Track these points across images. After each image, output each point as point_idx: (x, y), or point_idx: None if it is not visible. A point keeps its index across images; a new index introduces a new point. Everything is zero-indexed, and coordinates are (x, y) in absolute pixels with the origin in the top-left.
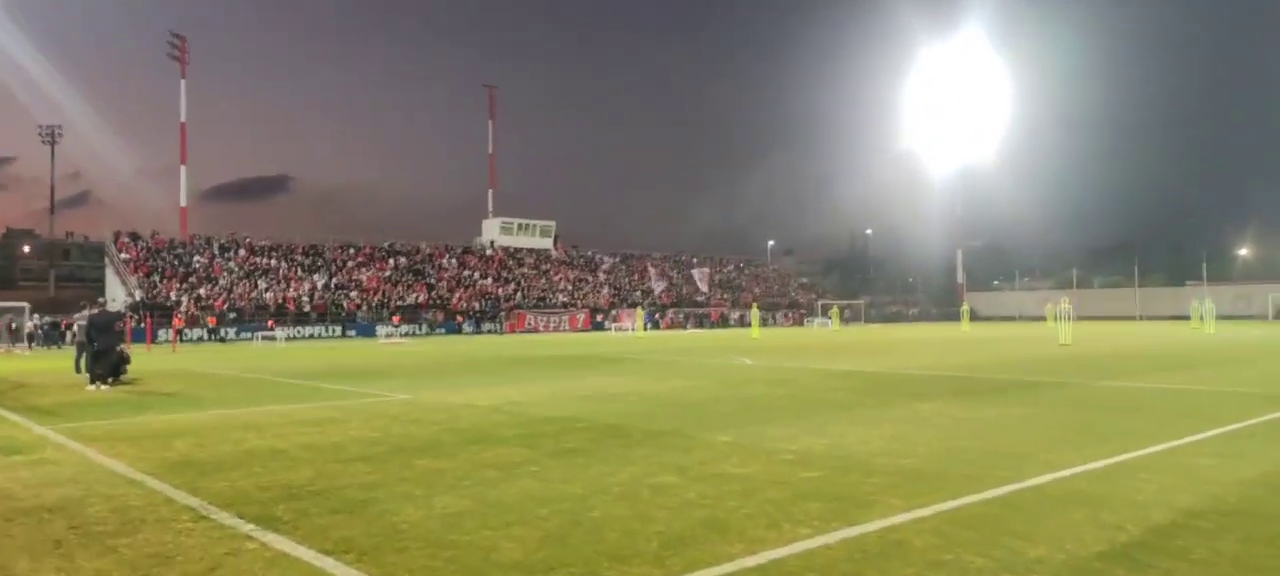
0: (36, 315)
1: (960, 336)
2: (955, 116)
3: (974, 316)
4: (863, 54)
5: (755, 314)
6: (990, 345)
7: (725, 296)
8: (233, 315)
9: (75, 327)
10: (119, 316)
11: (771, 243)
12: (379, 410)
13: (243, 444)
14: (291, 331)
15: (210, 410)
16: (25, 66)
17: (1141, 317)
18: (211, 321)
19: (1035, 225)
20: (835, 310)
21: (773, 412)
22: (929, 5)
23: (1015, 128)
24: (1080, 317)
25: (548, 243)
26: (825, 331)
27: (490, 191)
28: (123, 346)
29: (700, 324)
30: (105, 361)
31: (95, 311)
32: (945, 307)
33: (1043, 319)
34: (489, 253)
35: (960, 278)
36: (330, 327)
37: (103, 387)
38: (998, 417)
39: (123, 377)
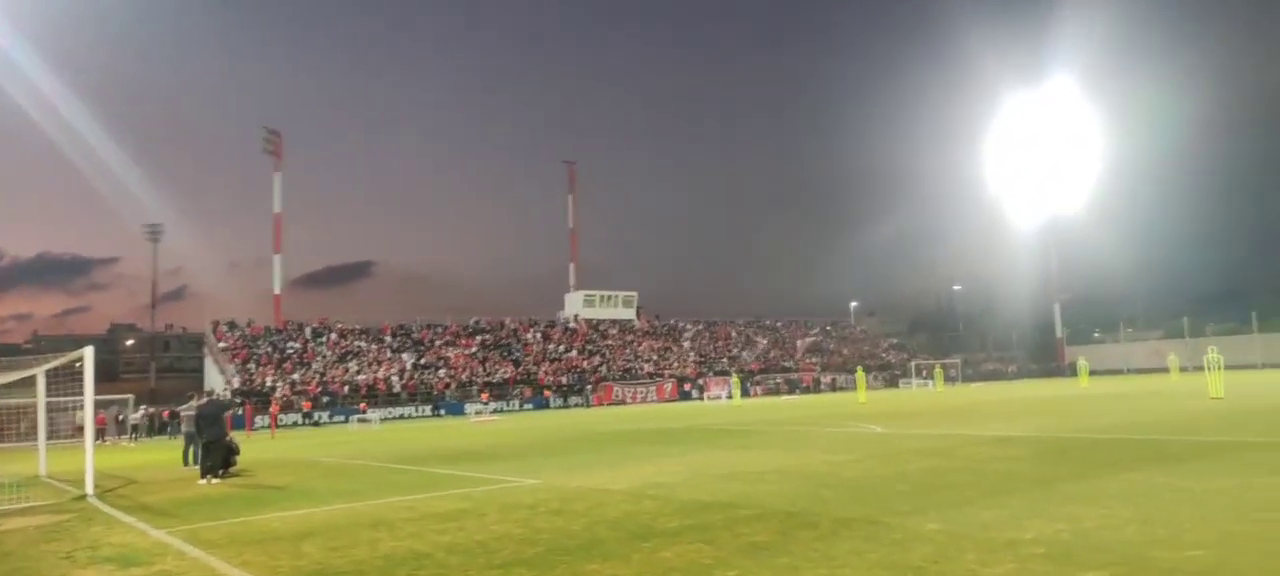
0: (143, 406)
1: (1086, 393)
2: (1043, 166)
3: (1077, 371)
4: (943, 107)
5: (861, 378)
6: (1130, 401)
7: (814, 361)
8: (326, 399)
9: (182, 418)
10: (227, 406)
11: (854, 304)
12: (511, 499)
13: (379, 547)
14: (384, 413)
15: (330, 504)
16: (129, 169)
17: (1264, 365)
18: (306, 406)
19: (1133, 274)
20: (938, 370)
21: (962, 491)
22: (1013, 55)
23: (1108, 175)
24: (1195, 368)
25: (630, 313)
26: (930, 393)
27: (572, 265)
28: (231, 437)
29: (792, 390)
30: (215, 453)
31: (203, 402)
32: (1044, 363)
33: (1158, 370)
34: (572, 326)
35: (1059, 332)
36: (420, 407)
37: (214, 481)
38: (1239, 489)
39: (232, 469)
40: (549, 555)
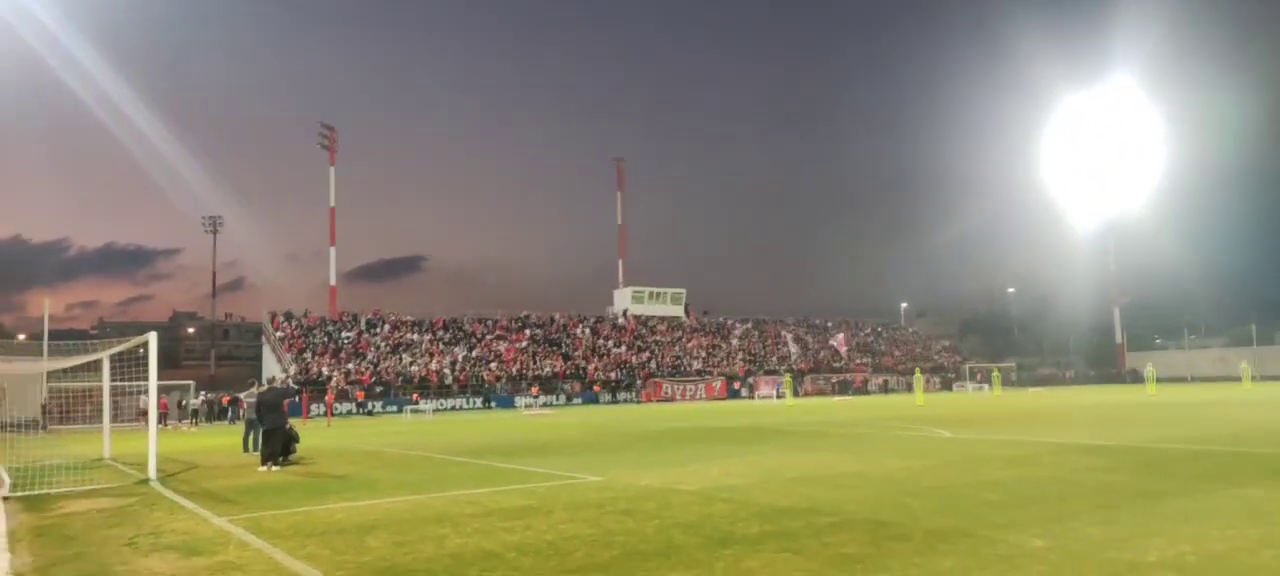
0: (203, 392)
1: (1156, 401)
2: (1103, 167)
3: (1137, 378)
4: (1002, 106)
5: (919, 380)
6: (1209, 410)
7: (864, 361)
8: (379, 389)
9: (244, 405)
10: (288, 393)
11: (904, 304)
12: (576, 497)
13: (445, 543)
14: (436, 404)
15: (392, 496)
16: (191, 164)
17: None
18: (360, 395)
19: (1196, 279)
20: (996, 373)
21: (1059, 504)
22: (1072, 55)
23: (1170, 177)
24: (1265, 377)
25: (679, 310)
26: (987, 397)
27: (620, 261)
28: (291, 425)
29: (842, 390)
30: (275, 440)
31: (264, 388)
32: (1103, 369)
33: (1225, 379)
34: (621, 321)
35: (1119, 337)
36: (470, 399)
37: (274, 468)
38: None
39: (292, 457)
40: (625, 560)
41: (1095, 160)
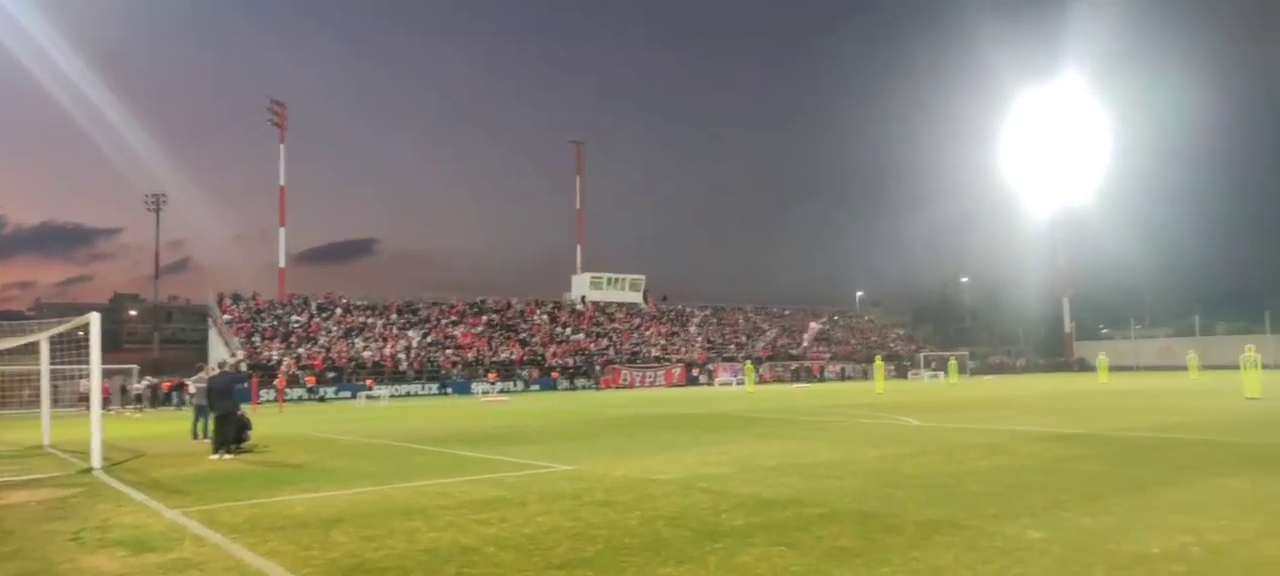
0: (146, 377)
1: (1111, 389)
2: (1053, 161)
3: (1086, 367)
4: (954, 100)
5: (879, 367)
6: (1165, 399)
7: (821, 349)
8: (331, 374)
9: (192, 390)
10: (241, 378)
11: (860, 293)
12: (549, 487)
13: (417, 538)
14: (390, 390)
15: (355, 486)
16: (133, 139)
17: (1274, 366)
18: (310, 381)
19: (1142, 271)
20: (952, 363)
21: (1047, 494)
22: (1025, 50)
23: (1117, 171)
24: (1208, 366)
25: (637, 296)
26: (945, 386)
27: (578, 246)
28: (243, 411)
29: (796, 377)
30: (227, 427)
31: (215, 373)
32: (1052, 358)
33: (1170, 368)
34: (579, 308)
35: (1068, 327)
36: (426, 385)
37: (226, 456)
38: None
39: (244, 445)
40: (611, 555)
41: (1047, 154)
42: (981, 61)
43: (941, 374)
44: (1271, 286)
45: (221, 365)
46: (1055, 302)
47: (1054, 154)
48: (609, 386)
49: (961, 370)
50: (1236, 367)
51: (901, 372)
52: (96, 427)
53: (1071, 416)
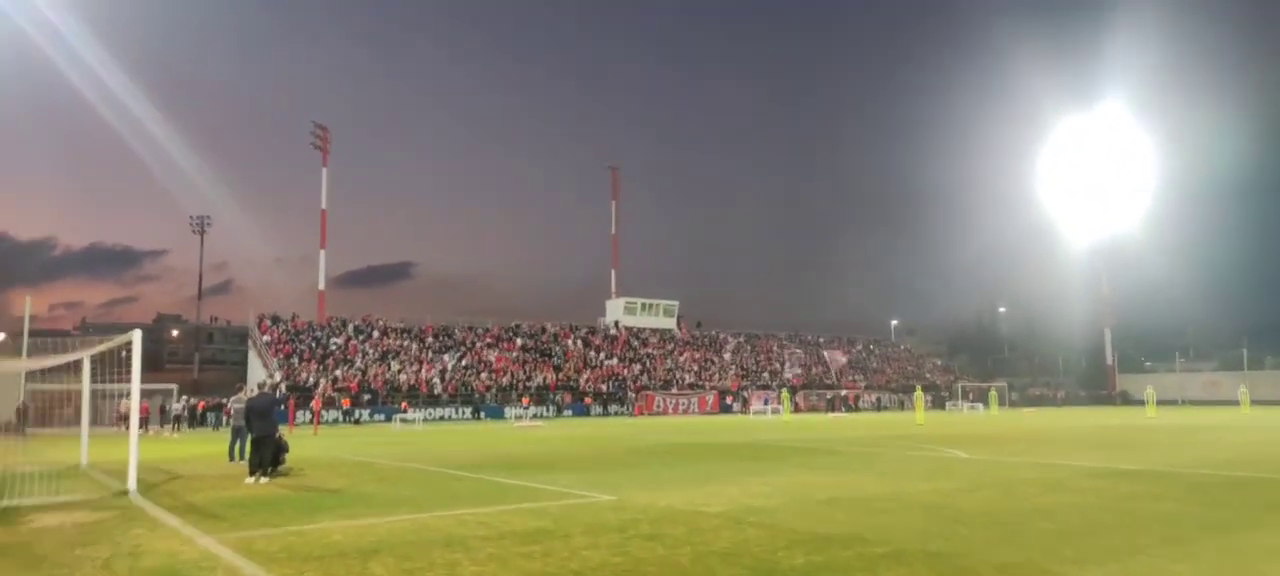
0: (184, 397)
1: (1161, 424)
2: (1094, 190)
3: (1129, 400)
4: (993, 127)
5: (920, 398)
6: (1222, 435)
7: (857, 378)
8: (367, 397)
9: (231, 411)
10: (279, 400)
11: (895, 322)
12: (593, 519)
13: (458, 571)
14: (424, 413)
15: (393, 514)
16: (179, 161)
17: None
18: (345, 403)
19: (1185, 302)
20: (993, 393)
21: (1124, 536)
22: (1064, 78)
23: (1161, 200)
24: (1256, 402)
25: (671, 322)
26: (985, 417)
27: (613, 271)
28: (280, 433)
29: (831, 407)
30: (265, 449)
31: (253, 394)
32: (1093, 390)
33: (1216, 402)
34: (613, 332)
35: (1110, 359)
36: (460, 409)
37: (262, 480)
38: None
39: (281, 468)
40: None
41: (1087, 182)
42: (1021, 87)
43: (980, 405)
44: None
45: (261, 386)
46: (1096, 333)
47: (1096, 181)
48: (642, 413)
49: (1001, 401)
50: None
51: (939, 403)
52: (134, 448)
53: (1127, 451)
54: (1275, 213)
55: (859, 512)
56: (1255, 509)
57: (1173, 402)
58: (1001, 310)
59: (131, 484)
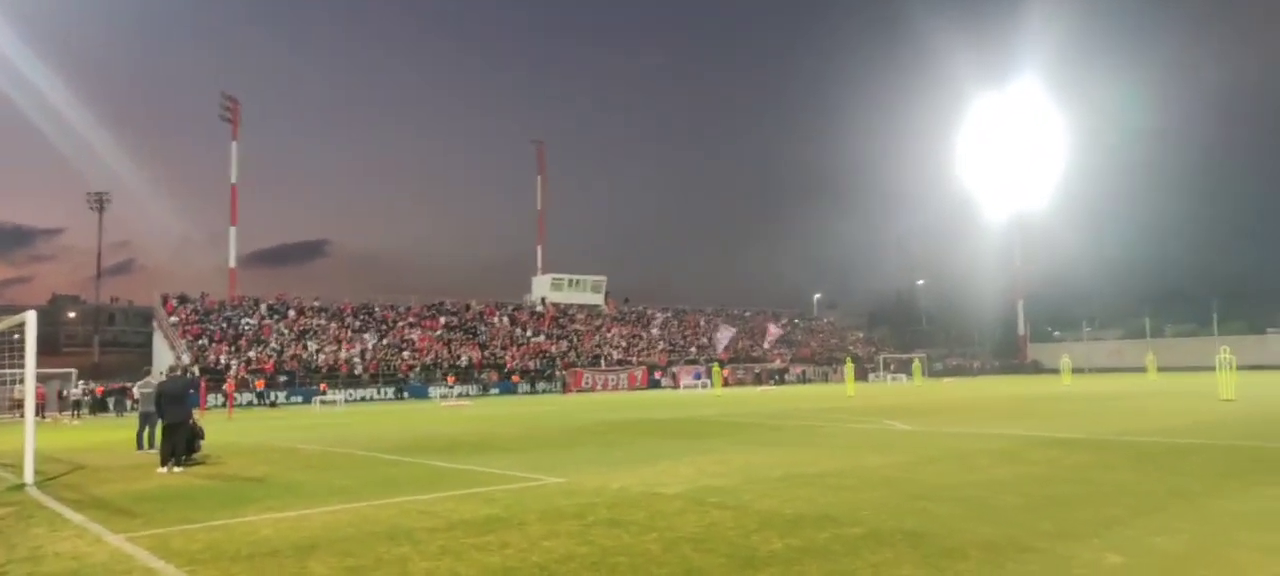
0: (83, 381)
1: (1081, 392)
2: (1008, 165)
3: (1039, 368)
4: (911, 105)
5: (850, 370)
6: (1142, 401)
7: (782, 351)
8: (283, 378)
9: (138, 396)
10: (193, 382)
11: (817, 296)
12: (545, 503)
13: (409, 568)
14: (345, 394)
15: (326, 504)
16: (76, 135)
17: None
18: (259, 385)
19: (1092, 273)
20: (917, 365)
21: (1096, 508)
22: (981, 55)
23: (1070, 175)
24: (1160, 369)
25: (599, 298)
26: (911, 388)
27: (539, 248)
28: (196, 419)
29: (760, 381)
30: (178, 436)
31: (164, 377)
32: (1006, 359)
33: (1122, 369)
34: (539, 309)
35: (1022, 329)
36: (382, 389)
37: (175, 469)
38: None
39: (195, 456)
40: None
41: (1002, 158)
42: (940, 65)
43: (903, 376)
44: (1218, 288)
45: (172, 369)
46: (1009, 305)
47: (1010, 157)
48: (572, 390)
49: (928, 372)
50: (1189, 369)
51: (862, 375)
52: (30, 436)
53: (1060, 420)
54: (1176, 187)
55: (819, 490)
56: (1211, 476)
57: (1080, 370)
58: (920, 283)
59: (28, 476)
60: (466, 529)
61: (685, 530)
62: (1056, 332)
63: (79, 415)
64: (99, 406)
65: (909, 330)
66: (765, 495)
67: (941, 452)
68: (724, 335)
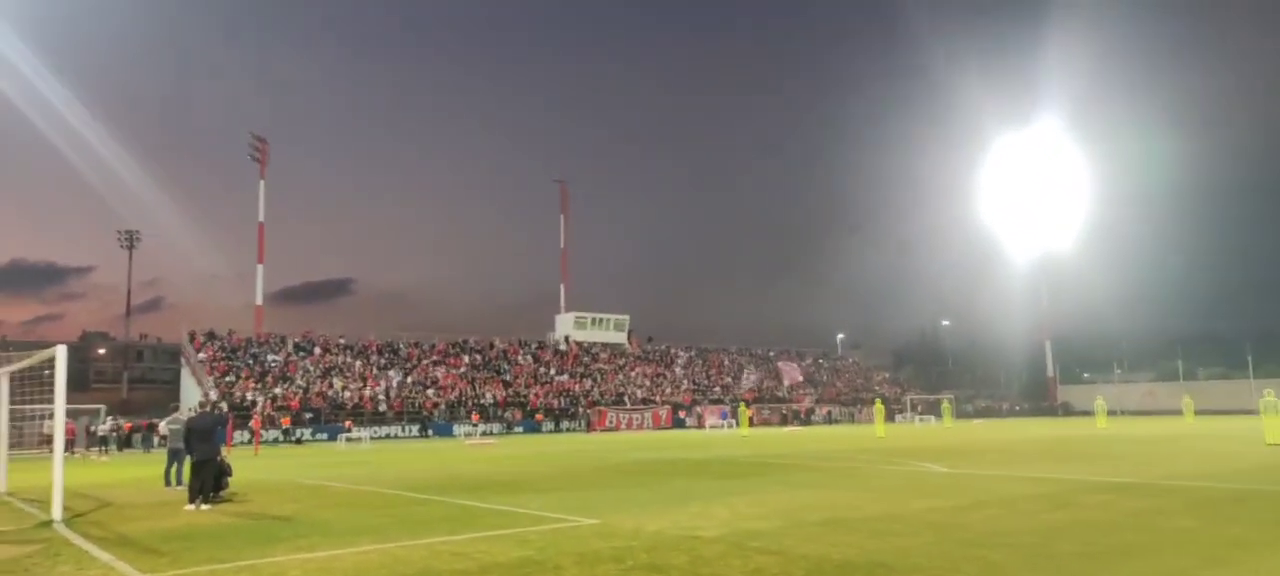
0: (111, 417)
1: (1117, 435)
2: (1033, 206)
3: (1069, 410)
4: (936, 144)
5: (880, 411)
6: (1183, 444)
7: (808, 391)
8: (309, 415)
9: (165, 432)
10: (221, 419)
11: (841, 335)
12: (580, 546)
13: None
14: (370, 431)
15: (355, 544)
16: (108, 175)
17: (1257, 411)
18: (285, 422)
19: (1122, 315)
20: (946, 406)
21: (1163, 559)
22: (1004, 96)
23: (1097, 215)
24: (1196, 412)
25: (622, 337)
26: (940, 429)
27: (562, 286)
28: (224, 456)
29: (785, 421)
30: (206, 473)
31: (193, 413)
32: (1035, 401)
33: (1154, 412)
34: (563, 348)
35: (1051, 370)
36: (407, 427)
37: (203, 507)
38: None
39: (222, 493)
40: None
41: (1026, 198)
42: (962, 106)
43: (931, 417)
44: (1252, 329)
45: (201, 405)
46: (1036, 346)
47: (1034, 197)
48: (596, 429)
49: (958, 414)
50: (1224, 412)
51: (888, 415)
52: (58, 473)
53: (1104, 463)
54: (1204, 227)
55: (865, 535)
56: (1271, 525)
57: (1114, 413)
58: (945, 324)
59: (56, 513)
60: (500, 572)
61: None
62: (1086, 375)
63: (107, 451)
64: (126, 443)
65: (934, 370)
66: (809, 540)
67: (987, 497)
68: (791, 371)
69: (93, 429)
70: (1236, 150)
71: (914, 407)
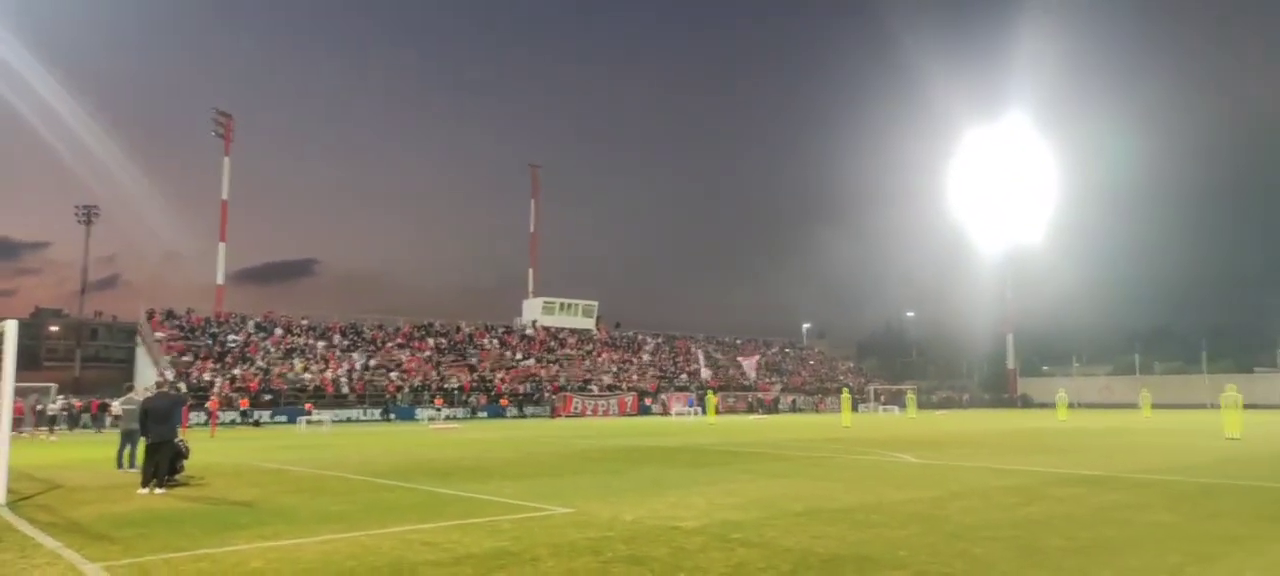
0: (62, 396)
1: (1079, 427)
2: (1000, 200)
3: (1029, 403)
4: (905, 138)
5: (847, 400)
6: (1145, 438)
7: (772, 381)
8: (268, 397)
9: (119, 413)
10: (180, 400)
11: (807, 325)
12: (556, 536)
13: None
14: (331, 414)
15: (319, 533)
16: (65, 148)
17: (1212, 405)
18: (243, 404)
19: (1081, 310)
20: (911, 396)
21: (1149, 554)
22: (973, 91)
23: (1061, 210)
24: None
25: (590, 323)
26: (904, 419)
27: (531, 271)
28: (181, 438)
29: (751, 409)
30: (161, 456)
31: (151, 393)
32: (995, 393)
33: (1114, 405)
34: (530, 333)
35: (1011, 363)
36: (369, 410)
37: (158, 491)
38: None
39: (178, 477)
40: None
41: (993, 192)
42: (932, 99)
43: (894, 407)
44: (1206, 326)
45: (159, 385)
46: (999, 339)
47: (1001, 191)
48: (561, 414)
49: (922, 404)
50: (1179, 406)
51: (852, 405)
52: (3, 453)
53: (1070, 455)
54: (1163, 224)
55: (847, 526)
56: (1251, 519)
57: (1072, 405)
58: (909, 315)
59: (0, 496)
60: (474, 563)
61: (714, 569)
62: (1045, 367)
63: (56, 431)
64: (76, 422)
65: (898, 361)
66: (791, 531)
67: (961, 488)
68: (749, 363)
69: (41, 407)
70: (1196, 150)
71: (878, 397)
